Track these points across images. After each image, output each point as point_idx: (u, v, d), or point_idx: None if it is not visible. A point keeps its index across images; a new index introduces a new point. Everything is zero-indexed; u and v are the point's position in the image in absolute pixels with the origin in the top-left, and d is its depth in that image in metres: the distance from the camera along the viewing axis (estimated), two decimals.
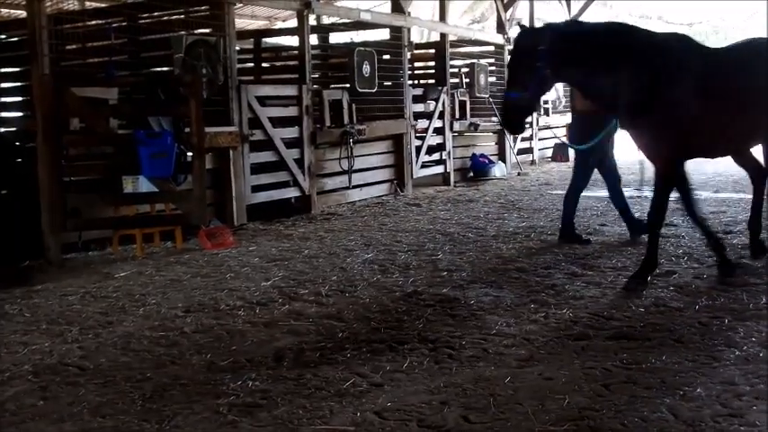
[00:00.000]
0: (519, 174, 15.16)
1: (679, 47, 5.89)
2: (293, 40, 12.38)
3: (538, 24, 18.20)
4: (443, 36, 14.28)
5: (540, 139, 17.47)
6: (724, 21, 34.67)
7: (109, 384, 4.18)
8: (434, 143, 13.66)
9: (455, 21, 18.27)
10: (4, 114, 10.44)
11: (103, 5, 12.90)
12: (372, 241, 8.24)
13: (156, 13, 10.23)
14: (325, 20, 14.25)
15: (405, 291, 6.02)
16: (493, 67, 15.78)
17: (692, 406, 3.64)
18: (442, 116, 13.72)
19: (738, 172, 8.05)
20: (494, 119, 15.23)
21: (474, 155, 14.96)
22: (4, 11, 14.41)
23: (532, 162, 17.04)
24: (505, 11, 16.18)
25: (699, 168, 13.45)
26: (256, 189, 9.87)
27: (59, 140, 7.51)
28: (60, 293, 6.29)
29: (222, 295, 6.06)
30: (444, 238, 8.31)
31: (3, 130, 9.48)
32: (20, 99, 10.09)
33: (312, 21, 12.14)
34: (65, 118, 7.70)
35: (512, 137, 15.76)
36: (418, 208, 10.84)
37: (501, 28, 16.31)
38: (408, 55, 13.09)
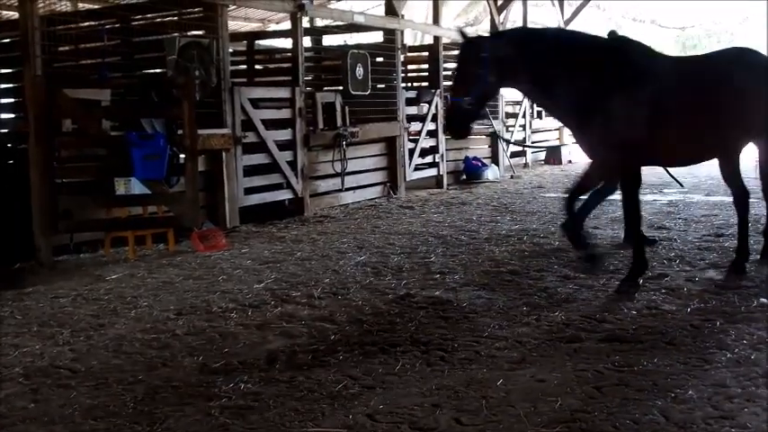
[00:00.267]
0: (512, 177, 15.20)
1: (625, 54, 5.86)
2: (286, 43, 12.37)
3: (531, 27, 18.32)
4: (437, 39, 14.29)
5: (532, 142, 17.52)
6: (717, 24, 34.81)
7: (100, 387, 4.16)
8: (427, 146, 13.67)
9: (449, 24, 18.27)
10: None
11: (96, 7, 12.89)
12: (365, 244, 8.24)
13: (149, 15, 10.22)
14: (319, 22, 14.29)
15: (397, 293, 6.02)
16: None
17: (683, 408, 3.65)
18: (435, 119, 13.74)
19: None
20: (486, 122, 15.26)
21: (467, 158, 14.98)
22: None
23: (525, 165, 17.07)
24: (499, 14, 16.20)
25: (692, 171, 13.52)
26: (249, 191, 9.85)
27: (51, 142, 7.49)
28: (52, 296, 6.27)
29: (214, 297, 6.05)
30: (437, 240, 8.31)
31: None
32: (12, 100, 10.05)
33: (305, 23, 12.16)
34: (57, 119, 7.69)
35: (505, 143, 15.81)
36: (411, 210, 10.84)
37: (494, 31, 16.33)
38: (402, 57, 13.11)
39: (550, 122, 17.79)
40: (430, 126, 13.62)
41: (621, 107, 5.65)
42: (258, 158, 10.02)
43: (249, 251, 7.99)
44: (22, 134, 7.93)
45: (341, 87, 11.52)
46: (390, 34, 12.68)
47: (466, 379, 4.12)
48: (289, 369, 4.36)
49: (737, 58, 6.05)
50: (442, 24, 14.55)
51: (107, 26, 9.94)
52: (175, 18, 9.77)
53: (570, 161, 17.47)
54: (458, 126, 6.11)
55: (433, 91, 13.78)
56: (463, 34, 5.95)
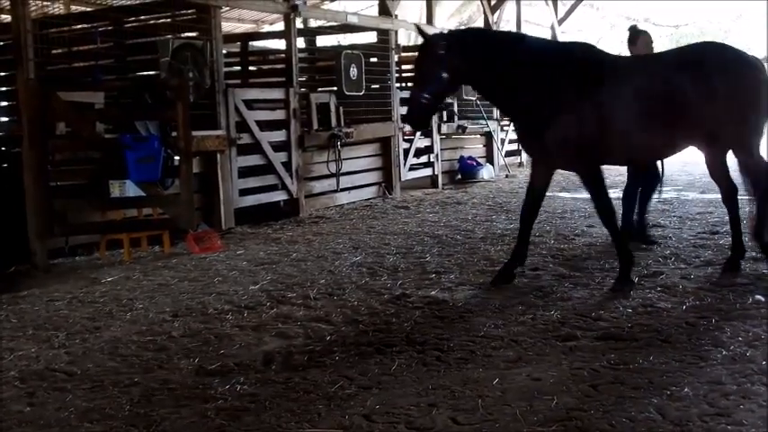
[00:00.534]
0: (507, 176, 15.21)
1: (576, 55, 5.98)
2: (280, 44, 12.39)
3: (525, 26, 18.34)
4: None
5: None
6: (711, 23, 34.90)
7: (96, 389, 4.16)
8: (422, 146, 13.67)
9: (443, 23, 18.29)
10: None
11: (89, 9, 12.88)
12: (360, 244, 8.24)
13: (142, 17, 10.21)
14: (312, 23, 14.27)
15: (393, 293, 6.02)
16: None
17: (679, 405, 3.66)
18: None
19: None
20: (481, 121, 15.28)
21: (462, 157, 14.99)
22: None
23: (520, 164, 17.07)
24: (492, 13, 16.22)
25: (686, 169, 13.60)
26: (244, 193, 9.85)
27: (45, 145, 7.47)
28: (47, 299, 6.26)
29: (210, 299, 6.04)
30: (432, 240, 8.31)
31: None
32: (5, 104, 10.04)
33: (299, 24, 12.15)
34: (51, 122, 7.67)
35: (500, 140, 15.85)
36: (406, 210, 10.85)
37: None
38: (396, 58, 13.11)
39: None
40: None
41: (569, 108, 5.75)
42: (253, 160, 10.02)
43: (244, 252, 7.98)
44: (15, 137, 7.90)
45: (335, 88, 11.51)
46: (384, 34, 12.69)
47: (462, 378, 4.12)
48: (285, 370, 4.36)
49: (694, 57, 5.99)
50: (435, 24, 14.56)
51: (100, 29, 9.92)
52: (169, 20, 9.77)
53: None
54: (417, 119, 6.28)
55: None
56: (421, 32, 6.08)
